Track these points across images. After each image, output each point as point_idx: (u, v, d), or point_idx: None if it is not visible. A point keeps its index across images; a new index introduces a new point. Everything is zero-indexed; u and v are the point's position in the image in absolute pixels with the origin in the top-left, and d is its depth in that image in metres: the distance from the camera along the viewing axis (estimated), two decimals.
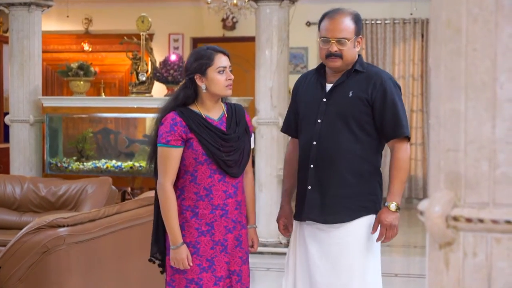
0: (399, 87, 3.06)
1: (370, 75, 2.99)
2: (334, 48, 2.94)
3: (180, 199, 2.98)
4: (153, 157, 3.03)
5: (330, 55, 2.96)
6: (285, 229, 3.19)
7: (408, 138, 3.01)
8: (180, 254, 2.92)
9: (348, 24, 2.96)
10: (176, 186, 2.98)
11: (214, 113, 3.02)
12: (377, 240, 2.97)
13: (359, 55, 3.06)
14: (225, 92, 2.99)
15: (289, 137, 3.28)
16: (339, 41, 2.93)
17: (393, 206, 2.94)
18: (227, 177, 2.97)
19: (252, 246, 3.15)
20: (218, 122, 3.01)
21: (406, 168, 2.99)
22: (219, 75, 2.96)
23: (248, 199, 3.14)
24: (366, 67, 3.04)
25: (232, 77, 3.00)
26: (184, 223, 2.96)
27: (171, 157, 2.94)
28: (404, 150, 2.97)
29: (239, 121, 3.06)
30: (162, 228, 3.02)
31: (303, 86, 3.14)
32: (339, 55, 2.94)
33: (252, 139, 3.15)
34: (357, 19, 2.99)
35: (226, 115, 3.05)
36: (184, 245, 2.94)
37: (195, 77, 2.97)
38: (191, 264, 2.93)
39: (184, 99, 2.99)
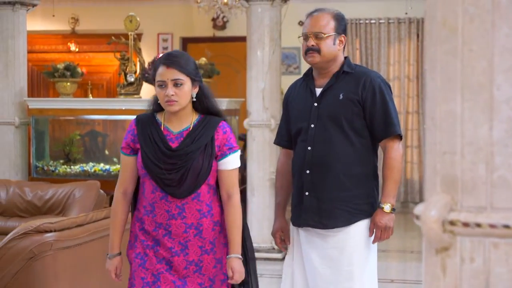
0: (389, 86, 3.06)
1: (358, 76, 2.99)
2: (311, 42, 2.97)
3: (136, 209, 2.90)
4: None
5: (308, 50, 2.98)
6: (282, 242, 3.15)
7: (400, 137, 3.00)
8: (109, 266, 2.90)
9: (326, 20, 2.98)
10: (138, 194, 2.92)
11: (177, 125, 2.84)
12: (373, 242, 2.97)
13: (346, 57, 3.07)
14: (166, 108, 2.80)
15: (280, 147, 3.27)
16: (316, 35, 2.96)
17: (387, 208, 2.93)
18: (169, 196, 2.77)
19: (232, 277, 2.82)
20: (175, 136, 2.83)
21: (399, 168, 2.97)
22: (159, 89, 2.79)
23: (230, 227, 2.82)
24: (354, 67, 3.04)
25: (171, 93, 2.74)
26: (137, 233, 2.88)
27: (123, 164, 2.90)
28: (396, 149, 2.96)
29: (200, 136, 2.80)
30: None
31: (294, 94, 3.14)
32: (317, 50, 2.96)
33: (233, 157, 2.85)
34: (338, 18, 3.02)
35: (191, 129, 2.83)
36: (117, 258, 2.89)
37: None
38: (118, 280, 2.89)
39: (153, 105, 2.90)
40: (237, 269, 2.81)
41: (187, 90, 2.79)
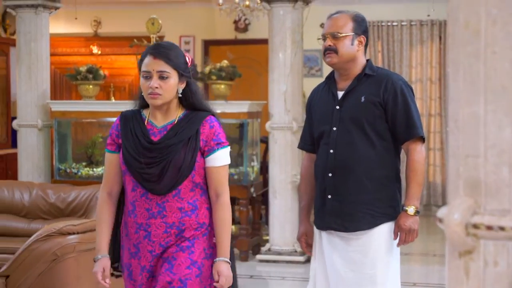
0: (411, 89, 3.06)
1: (380, 78, 3.00)
2: (328, 42, 2.99)
3: (124, 212, 2.77)
4: None
5: (325, 50, 3.00)
6: (308, 247, 3.17)
7: (422, 139, 2.99)
8: (95, 267, 2.73)
9: (344, 21, 3.01)
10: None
11: (161, 119, 2.72)
12: (397, 245, 2.97)
13: (368, 60, 3.08)
14: (148, 101, 2.66)
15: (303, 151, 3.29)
16: (333, 35, 2.98)
17: (411, 210, 2.93)
18: (149, 193, 2.64)
19: (217, 281, 2.65)
20: (159, 130, 2.71)
21: (422, 170, 2.97)
22: (143, 80, 2.65)
23: (218, 228, 2.67)
24: (376, 70, 3.05)
25: (155, 85, 2.61)
26: (124, 239, 2.76)
27: (107, 162, 2.77)
28: (418, 152, 2.97)
29: (184, 129, 2.67)
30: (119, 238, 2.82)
31: (316, 98, 3.16)
32: (334, 50, 2.98)
33: (221, 153, 2.70)
34: (357, 19, 3.04)
35: (176, 122, 2.70)
36: (103, 259, 2.73)
37: None
38: (105, 284, 2.72)
39: (139, 100, 2.77)
40: (224, 273, 2.64)
41: (173, 84, 2.66)
